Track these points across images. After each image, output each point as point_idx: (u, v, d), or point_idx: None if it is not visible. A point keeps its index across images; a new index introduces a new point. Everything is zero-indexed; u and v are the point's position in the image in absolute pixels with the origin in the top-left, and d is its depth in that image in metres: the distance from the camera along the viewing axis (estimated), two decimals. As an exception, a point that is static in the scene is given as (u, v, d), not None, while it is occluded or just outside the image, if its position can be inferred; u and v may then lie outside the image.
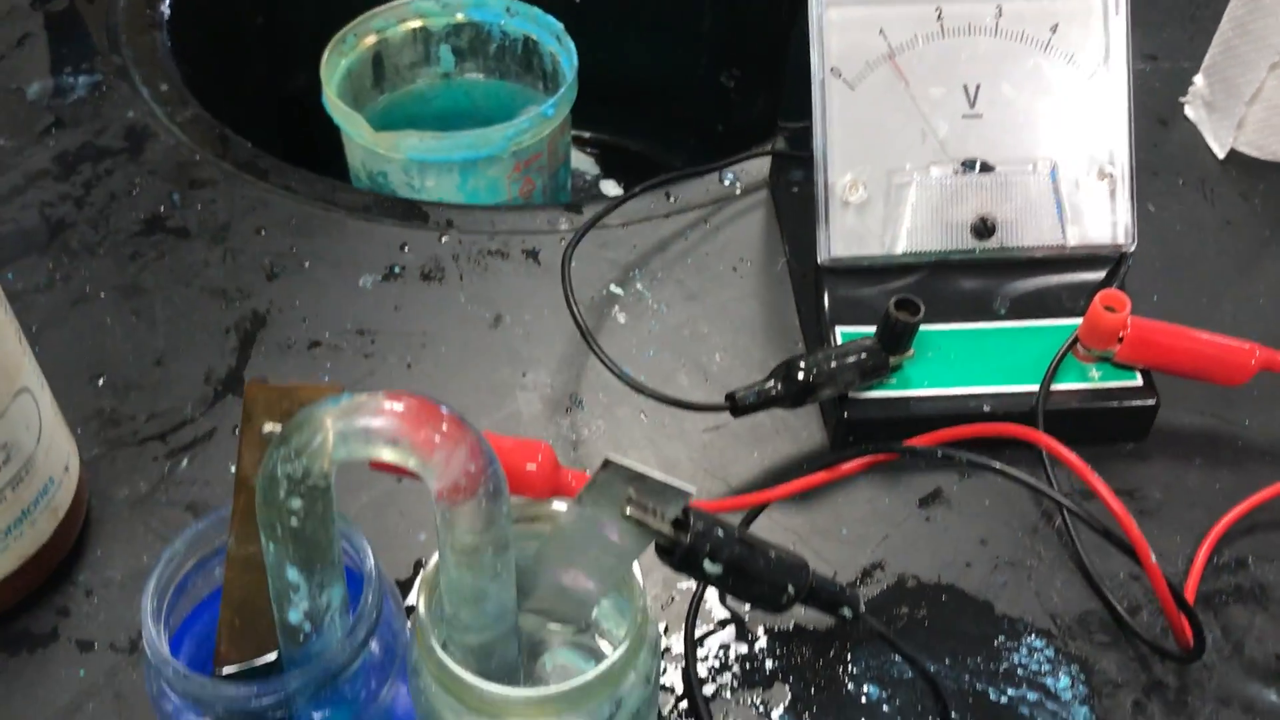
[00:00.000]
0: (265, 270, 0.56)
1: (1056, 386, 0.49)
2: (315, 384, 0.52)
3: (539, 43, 0.84)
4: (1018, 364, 0.50)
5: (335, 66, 0.78)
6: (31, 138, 0.64)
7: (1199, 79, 0.65)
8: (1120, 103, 0.51)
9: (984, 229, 0.50)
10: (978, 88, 0.50)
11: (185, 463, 0.49)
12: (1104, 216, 0.51)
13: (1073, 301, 0.51)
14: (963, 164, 0.50)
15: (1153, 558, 0.41)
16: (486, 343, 0.54)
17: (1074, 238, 0.51)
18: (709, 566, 0.33)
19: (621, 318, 0.55)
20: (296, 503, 0.33)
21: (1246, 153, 0.64)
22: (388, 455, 0.33)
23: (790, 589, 0.34)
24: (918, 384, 0.49)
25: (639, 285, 0.56)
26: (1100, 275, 0.51)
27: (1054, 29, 0.50)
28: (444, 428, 0.32)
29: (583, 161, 0.98)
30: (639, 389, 0.48)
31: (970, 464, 0.43)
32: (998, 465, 0.42)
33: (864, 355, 0.48)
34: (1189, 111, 0.66)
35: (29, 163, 0.62)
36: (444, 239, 0.58)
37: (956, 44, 0.50)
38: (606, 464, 0.33)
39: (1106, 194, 0.51)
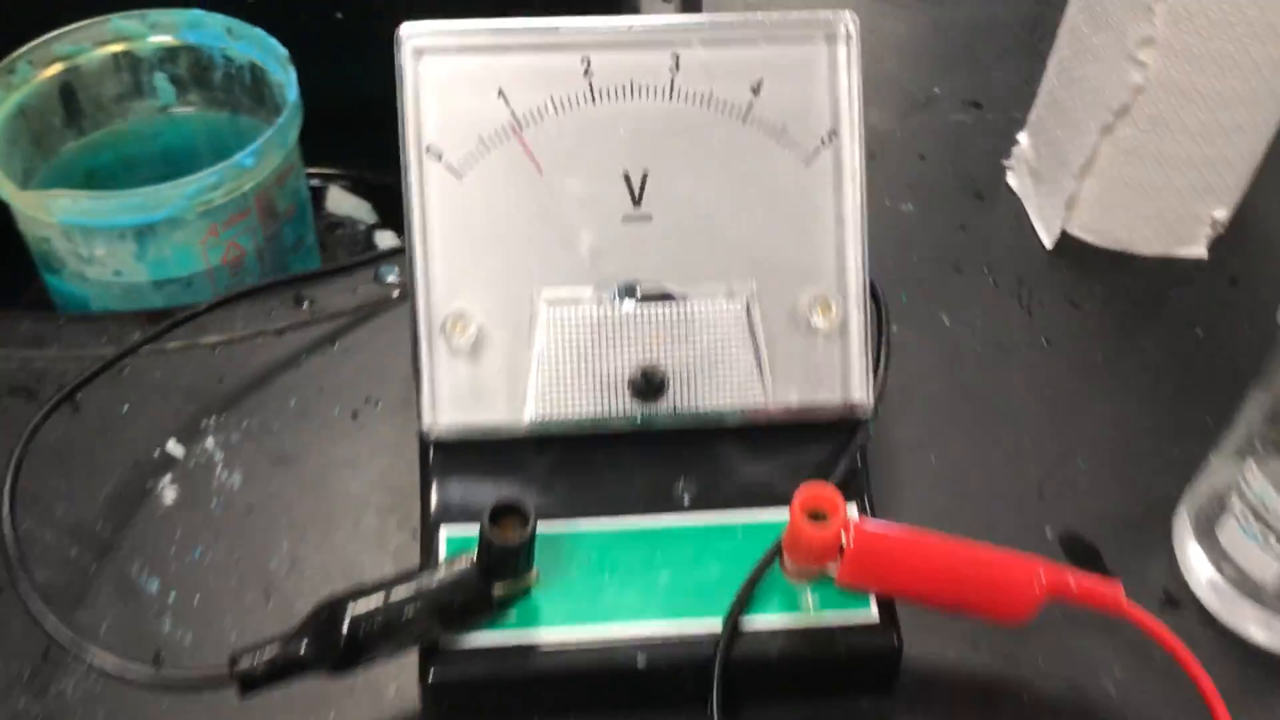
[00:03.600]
0: None
1: (752, 623, 0.33)
2: None
3: (266, 71, 0.68)
4: (703, 583, 0.33)
5: (-8, 107, 0.61)
6: None
7: (1023, 138, 0.49)
8: (851, 199, 0.35)
9: (648, 386, 0.34)
10: (644, 177, 0.34)
11: None
12: (828, 366, 0.35)
13: (787, 487, 0.34)
14: (620, 290, 0.34)
15: None
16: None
17: (782, 397, 0.35)
18: None
19: (169, 495, 0.38)
20: None
21: (1081, 238, 0.48)
22: None
23: None
24: (548, 620, 0.33)
25: (209, 441, 0.40)
26: (825, 450, 0.35)
27: (757, 88, 0.34)
28: None
29: (357, 208, 0.82)
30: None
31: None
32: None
33: (451, 588, 0.31)
34: (1012, 181, 0.50)
35: None
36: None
37: (614, 111, 0.34)
38: None
39: (832, 333, 0.35)
